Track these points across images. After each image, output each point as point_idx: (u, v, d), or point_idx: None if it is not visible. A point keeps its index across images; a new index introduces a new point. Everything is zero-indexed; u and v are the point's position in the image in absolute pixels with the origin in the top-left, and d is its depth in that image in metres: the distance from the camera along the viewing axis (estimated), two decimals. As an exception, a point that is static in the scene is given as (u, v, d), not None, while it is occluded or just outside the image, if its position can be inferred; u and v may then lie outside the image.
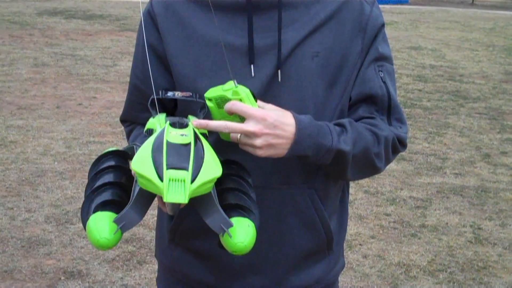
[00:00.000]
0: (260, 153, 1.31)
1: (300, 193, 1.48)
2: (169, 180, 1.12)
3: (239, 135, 1.31)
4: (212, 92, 1.36)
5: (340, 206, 1.60)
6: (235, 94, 1.31)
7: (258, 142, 1.30)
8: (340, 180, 1.56)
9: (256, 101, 1.32)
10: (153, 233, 4.23)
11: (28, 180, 5.10)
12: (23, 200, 4.73)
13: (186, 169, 1.14)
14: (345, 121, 1.44)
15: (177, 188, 1.12)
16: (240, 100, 1.30)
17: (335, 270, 1.63)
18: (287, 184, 1.47)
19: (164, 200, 1.11)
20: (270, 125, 1.29)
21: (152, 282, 3.70)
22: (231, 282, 1.54)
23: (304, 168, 1.46)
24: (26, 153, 5.72)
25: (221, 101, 1.33)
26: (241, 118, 1.31)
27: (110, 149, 1.38)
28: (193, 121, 1.31)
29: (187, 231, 1.55)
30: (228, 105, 1.31)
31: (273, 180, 1.46)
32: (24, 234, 4.19)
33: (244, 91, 1.31)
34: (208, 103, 1.36)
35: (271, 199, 1.41)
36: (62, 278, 3.70)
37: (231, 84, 1.32)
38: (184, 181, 1.12)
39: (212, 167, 1.19)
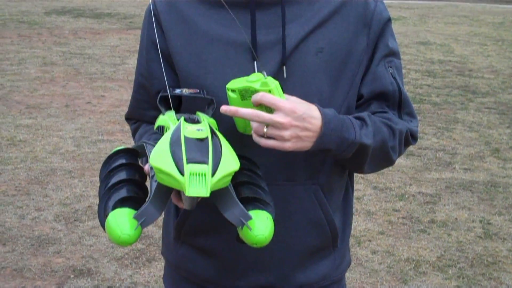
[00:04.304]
0: (288, 145, 1.31)
1: (304, 189, 1.48)
2: (190, 174, 1.12)
3: (265, 128, 1.30)
4: (236, 83, 1.34)
5: (343, 202, 1.60)
6: (264, 85, 1.29)
7: (287, 134, 1.29)
8: (344, 175, 1.57)
9: (284, 93, 1.32)
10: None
11: (37, 179, 5.12)
12: (32, 199, 4.75)
13: (206, 163, 1.14)
14: (364, 114, 1.44)
15: (198, 182, 1.12)
16: (269, 91, 1.29)
17: (341, 267, 1.63)
18: (291, 180, 1.47)
19: (186, 194, 1.11)
20: (299, 117, 1.29)
21: (161, 280, 3.70)
22: (237, 280, 1.54)
23: (308, 164, 1.46)
24: (35, 152, 5.74)
25: (246, 92, 1.32)
26: (268, 110, 1.30)
27: (120, 147, 1.39)
28: (222, 107, 1.31)
29: (192, 228, 1.55)
30: (257, 96, 1.29)
31: (277, 177, 1.46)
32: (34, 233, 4.20)
33: (274, 83, 1.30)
34: (231, 94, 1.34)
35: (275, 195, 1.41)
36: (72, 276, 3.71)
37: (257, 75, 1.31)
38: (205, 175, 1.13)
39: (230, 161, 1.20)
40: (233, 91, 1.34)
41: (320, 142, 1.34)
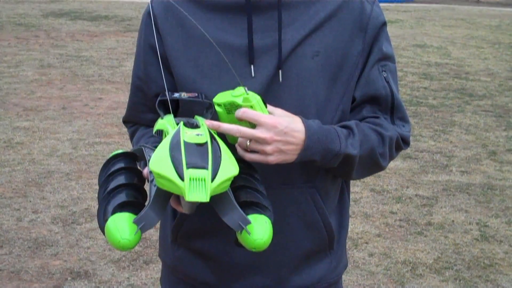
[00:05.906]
0: (271, 159, 1.33)
1: (301, 193, 1.49)
2: (190, 179, 1.13)
3: (248, 141, 1.32)
4: (221, 98, 1.36)
5: (339, 204, 1.60)
6: (245, 101, 1.31)
7: (269, 148, 1.31)
8: (340, 178, 1.57)
9: (266, 107, 1.33)
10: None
11: (35, 181, 5.12)
12: (30, 201, 4.75)
13: (205, 168, 1.15)
14: (351, 123, 1.45)
15: (198, 187, 1.13)
16: (251, 107, 1.31)
17: (338, 270, 1.63)
18: (288, 184, 1.48)
19: (186, 199, 1.12)
20: (280, 132, 1.31)
21: (158, 282, 3.70)
22: (233, 282, 1.55)
23: (305, 167, 1.46)
24: (32, 154, 5.74)
25: (231, 107, 1.34)
26: (251, 124, 1.32)
27: (118, 151, 1.39)
28: (206, 121, 1.32)
29: (189, 231, 1.56)
30: (239, 112, 1.31)
31: (274, 180, 1.46)
32: (31, 235, 4.20)
33: (255, 98, 1.31)
34: (217, 108, 1.36)
35: (272, 199, 1.41)
36: (69, 278, 3.71)
37: (240, 90, 1.33)
38: (204, 180, 1.13)
39: (229, 166, 1.20)
40: (218, 105, 1.36)
41: (304, 154, 1.35)
